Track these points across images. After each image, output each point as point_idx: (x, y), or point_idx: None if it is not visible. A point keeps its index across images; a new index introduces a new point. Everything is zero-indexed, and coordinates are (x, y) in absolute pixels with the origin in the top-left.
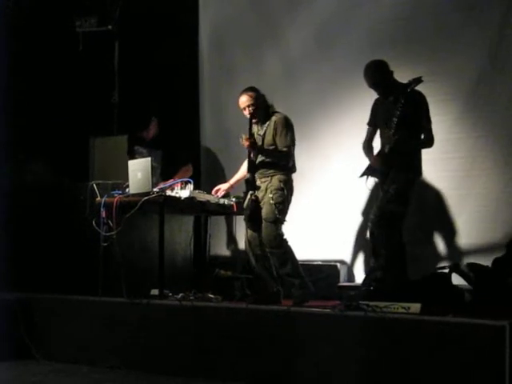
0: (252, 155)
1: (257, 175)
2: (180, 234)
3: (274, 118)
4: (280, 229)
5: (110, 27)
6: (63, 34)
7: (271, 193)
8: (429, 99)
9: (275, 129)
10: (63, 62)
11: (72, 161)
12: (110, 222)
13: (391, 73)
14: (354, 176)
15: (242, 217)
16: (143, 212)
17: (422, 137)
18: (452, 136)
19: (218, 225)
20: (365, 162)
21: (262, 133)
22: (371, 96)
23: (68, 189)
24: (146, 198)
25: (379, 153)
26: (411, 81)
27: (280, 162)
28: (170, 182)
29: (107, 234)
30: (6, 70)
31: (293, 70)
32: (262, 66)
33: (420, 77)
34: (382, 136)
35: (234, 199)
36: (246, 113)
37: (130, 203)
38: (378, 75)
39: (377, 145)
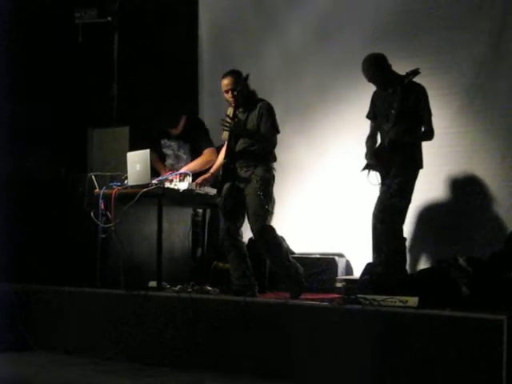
0: (231, 141)
1: (238, 164)
2: (178, 226)
3: (259, 104)
4: (270, 221)
5: (109, 19)
6: (63, 25)
7: (257, 183)
8: (429, 93)
9: (260, 115)
10: (63, 53)
11: (71, 152)
12: (108, 213)
13: (389, 66)
14: (353, 169)
15: None
16: (142, 204)
17: (423, 129)
18: (452, 130)
19: (216, 217)
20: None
21: (243, 118)
22: (370, 89)
23: (66, 180)
24: (144, 189)
25: (379, 147)
26: (408, 72)
27: (263, 147)
28: (168, 173)
29: (105, 225)
30: (6, 62)
31: (292, 61)
32: (261, 58)
33: (417, 68)
34: (381, 129)
35: None
36: (228, 96)
37: (129, 195)
38: (374, 69)
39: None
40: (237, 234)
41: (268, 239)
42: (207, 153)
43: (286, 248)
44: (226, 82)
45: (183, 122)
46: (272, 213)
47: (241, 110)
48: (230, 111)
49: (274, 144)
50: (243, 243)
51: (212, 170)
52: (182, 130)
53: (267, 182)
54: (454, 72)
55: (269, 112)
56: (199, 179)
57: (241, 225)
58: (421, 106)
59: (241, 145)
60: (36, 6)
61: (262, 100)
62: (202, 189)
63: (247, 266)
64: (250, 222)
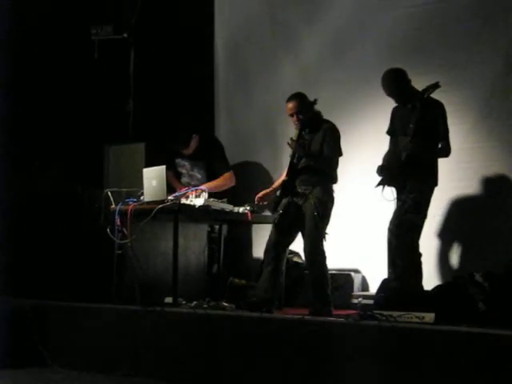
0: (295, 159)
1: (297, 182)
2: (194, 242)
3: (324, 126)
4: (323, 245)
5: (125, 35)
6: (79, 42)
7: (314, 204)
8: None
9: (324, 136)
10: (79, 69)
11: (87, 168)
12: (124, 229)
13: (408, 81)
14: (369, 185)
15: (258, 225)
16: (158, 220)
17: (440, 146)
18: (466, 145)
19: (232, 233)
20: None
21: (309, 139)
22: (387, 105)
23: (82, 196)
24: (160, 205)
25: (396, 160)
26: (428, 86)
27: (324, 168)
28: (185, 190)
29: (121, 241)
30: (22, 78)
31: (308, 77)
32: (277, 74)
33: (437, 82)
34: (399, 143)
35: (248, 208)
36: (294, 119)
37: (145, 211)
38: (394, 84)
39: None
40: (283, 250)
41: (315, 262)
42: (225, 177)
43: (330, 278)
44: (290, 105)
45: (196, 142)
46: (326, 234)
47: (307, 130)
48: (296, 134)
49: (334, 166)
50: (285, 260)
51: (274, 185)
52: (195, 150)
53: (324, 203)
54: (468, 88)
55: (333, 134)
56: (261, 193)
57: (291, 241)
58: (439, 122)
59: (303, 163)
60: (52, 23)
61: (327, 122)
62: (217, 204)
63: (277, 281)
64: (304, 241)
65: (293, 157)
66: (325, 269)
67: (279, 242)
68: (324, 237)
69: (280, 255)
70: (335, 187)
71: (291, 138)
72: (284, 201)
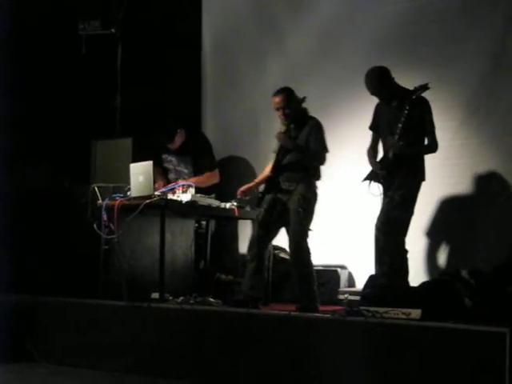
0: (280, 155)
1: (281, 178)
2: (181, 237)
3: (310, 123)
4: (307, 241)
5: (113, 30)
6: (66, 37)
7: (298, 201)
8: (432, 105)
9: (310, 132)
10: (66, 64)
11: (73, 163)
12: (111, 225)
13: (391, 79)
14: (356, 181)
15: (244, 221)
16: (144, 215)
17: (426, 142)
18: (455, 142)
19: (219, 229)
20: (367, 167)
21: (294, 135)
22: (373, 100)
23: (69, 192)
24: (147, 201)
25: (383, 158)
26: (417, 87)
27: (311, 163)
28: (172, 185)
29: (108, 237)
30: (9, 73)
31: (296, 75)
32: (264, 71)
33: (426, 83)
34: (385, 141)
35: (235, 203)
36: (279, 114)
37: (132, 206)
38: (377, 83)
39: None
40: (266, 245)
41: (299, 258)
42: (207, 175)
43: (315, 274)
44: (276, 100)
45: (181, 136)
46: (309, 230)
47: (292, 126)
48: (283, 128)
49: (322, 160)
50: (267, 256)
51: (257, 180)
52: (181, 145)
53: (308, 200)
54: (456, 84)
55: (318, 130)
56: (244, 187)
57: (273, 236)
58: (425, 118)
59: (288, 159)
60: (39, 18)
61: (312, 118)
62: (204, 200)
63: (262, 278)
64: (288, 237)
65: (278, 152)
66: (310, 265)
67: (261, 238)
68: (307, 233)
69: (263, 251)
70: (321, 183)
71: (279, 132)
72: (268, 197)
